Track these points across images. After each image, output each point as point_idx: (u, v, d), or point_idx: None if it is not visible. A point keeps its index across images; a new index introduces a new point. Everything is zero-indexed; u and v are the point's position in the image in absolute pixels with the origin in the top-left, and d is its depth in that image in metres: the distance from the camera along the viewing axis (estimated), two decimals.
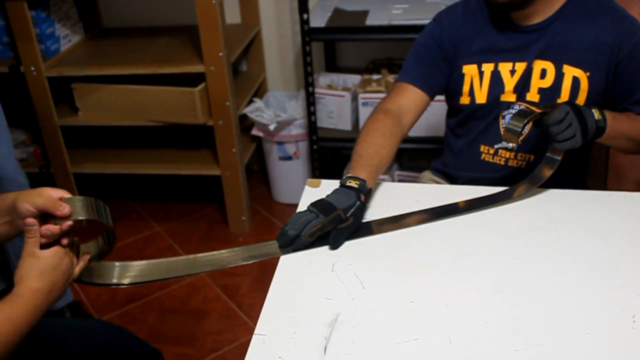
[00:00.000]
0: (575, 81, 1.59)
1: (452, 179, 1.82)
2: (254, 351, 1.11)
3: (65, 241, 1.15)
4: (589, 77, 1.58)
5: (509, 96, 1.65)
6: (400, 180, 2.94)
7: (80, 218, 1.16)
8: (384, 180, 2.87)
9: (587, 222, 1.42)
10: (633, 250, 1.32)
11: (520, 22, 1.61)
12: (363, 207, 1.42)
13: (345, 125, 2.87)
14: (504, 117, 1.67)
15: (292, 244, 1.35)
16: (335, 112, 2.85)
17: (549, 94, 1.61)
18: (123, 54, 2.90)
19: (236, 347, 2.33)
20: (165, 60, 2.75)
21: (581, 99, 1.59)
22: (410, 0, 2.75)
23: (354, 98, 2.83)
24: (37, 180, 3.08)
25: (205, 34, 2.54)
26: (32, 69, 2.72)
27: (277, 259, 1.35)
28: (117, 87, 2.78)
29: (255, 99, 3.01)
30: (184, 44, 2.89)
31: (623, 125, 1.53)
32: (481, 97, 1.67)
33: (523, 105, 1.47)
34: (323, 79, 2.96)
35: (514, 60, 1.63)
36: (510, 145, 1.42)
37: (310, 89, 2.74)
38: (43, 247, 1.13)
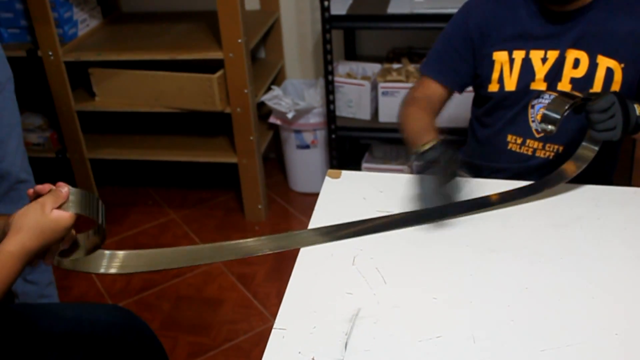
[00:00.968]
0: (609, 72, 1.55)
1: (476, 170, 1.78)
2: (273, 346, 1.10)
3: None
4: (623, 69, 1.54)
5: (539, 84, 1.61)
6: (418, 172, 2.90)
7: (75, 212, 1.13)
8: (402, 171, 2.86)
9: (614, 219, 1.38)
10: None
11: (555, 9, 1.57)
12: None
13: (365, 114, 2.83)
14: (533, 107, 1.63)
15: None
16: (354, 101, 2.82)
17: (582, 84, 1.57)
18: (141, 39, 2.87)
19: (251, 336, 2.32)
20: (183, 46, 2.73)
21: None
22: None
23: (374, 87, 2.79)
24: (54, 165, 3.08)
25: (224, 20, 2.52)
26: (50, 53, 2.70)
27: (297, 250, 1.33)
28: (135, 73, 2.77)
29: (273, 87, 2.99)
30: (202, 30, 2.87)
31: None
32: (510, 85, 1.64)
33: (556, 96, 1.44)
34: (342, 68, 2.93)
35: (546, 48, 1.59)
36: (549, 127, 1.38)
37: (330, 77, 2.71)
38: None
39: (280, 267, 2.62)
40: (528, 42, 1.61)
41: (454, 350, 1.07)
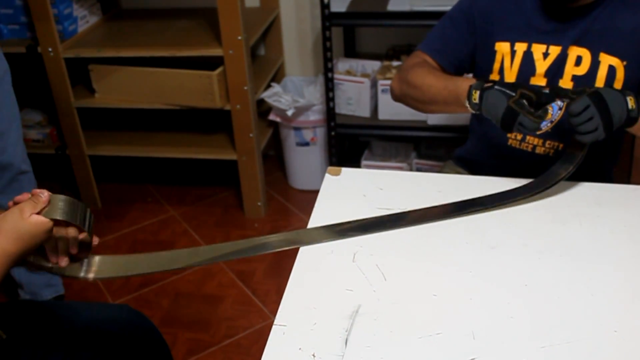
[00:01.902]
0: (611, 70, 1.54)
1: (476, 167, 1.79)
2: (273, 342, 1.10)
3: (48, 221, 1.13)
4: (625, 67, 1.54)
5: (539, 80, 1.61)
6: (418, 169, 2.91)
7: (57, 218, 1.13)
8: (401, 169, 2.87)
9: (613, 216, 1.38)
10: None
11: (563, 3, 1.56)
12: None
13: (364, 111, 2.84)
14: None
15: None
16: (354, 99, 2.82)
17: (584, 82, 1.56)
18: (141, 35, 2.87)
19: (250, 333, 2.32)
20: (183, 42, 2.73)
21: None
22: None
23: (373, 84, 2.79)
24: (53, 161, 3.08)
25: (224, 17, 2.52)
26: (50, 49, 2.70)
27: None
28: (135, 70, 2.77)
29: (273, 84, 2.99)
30: (202, 27, 2.87)
31: None
32: (510, 77, 1.63)
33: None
34: (342, 65, 2.93)
35: (548, 42, 1.59)
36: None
37: (330, 74, 2.71)
38: None
39: (280, 264, 2.62)
40: (531, 34, 1.60)
41: (453, 346, 1.07)
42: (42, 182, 3.15)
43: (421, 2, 2.54)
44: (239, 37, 2.55)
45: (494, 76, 1.66)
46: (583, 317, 1.12)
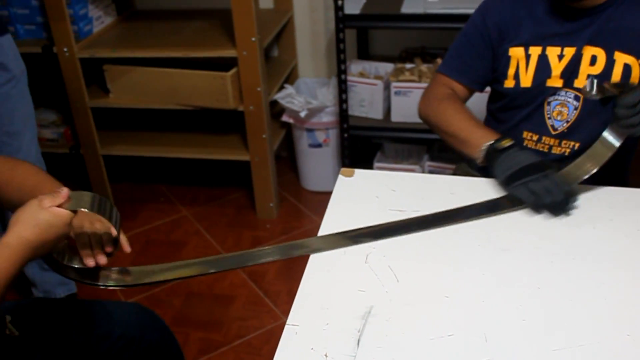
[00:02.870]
0: (627, 68, 1.54)
1: (489, 169, 1.78)
2: (285, 342, 1.10)
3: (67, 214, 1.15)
4: None
5: (555, 81, 1.61)
6: (430, 171, 2.91)
7: (83, 209, 1.16)
8: (414, 171, 2.87)
9: (627, 220, 1.38)
10: None
11: (574, 5, 1.55)
12: None
13: (377, 114, 2.84)
14: (549, 104, 1.63)
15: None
16: (367, 101, 2.82)
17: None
18: (155, 36, 2.89)
19: (262, 333, 2.33)
20: (197, 44, 2.74)
21: None
22: None
23: (386, 87, 2.79)
24: (67, 161, 3.10)
25: (238, 18, 2.53)
26: (65, 49, 2.72)
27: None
28: (149, 70, 2.78)
29: (286, 85, 3.00)
30: (216, 28, 2.88)
31: None
32: (526, 81, 1.63)
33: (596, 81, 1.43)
34: (355, 67, 2.93)
35: (562, 44, 1.59)
36: (591, 92, 1.39)
37: (343, 76, 2.72)
38: None
39: (291, 265, 2.63)
40: (545, 39, 1.60)
41: (465, 348, 1.07)
42: None
43: (435, 5, 2.54)
44: (253, 39, 2.55)
45: (509, 81, 1.66)
46: (595, 320, 1.12)
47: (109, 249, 1.28)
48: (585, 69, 1.58)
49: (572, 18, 1.58)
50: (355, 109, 2.86)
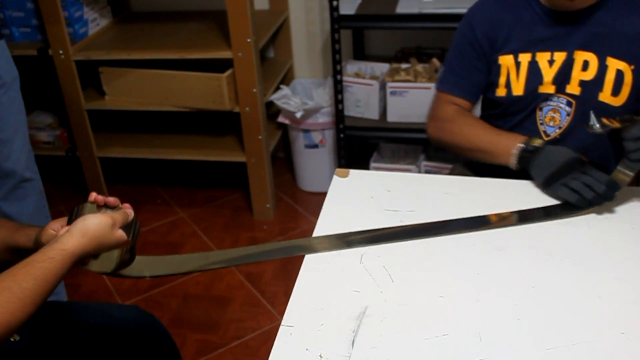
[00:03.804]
0: (619, 74, 1.54)
1: (485, 170, 1.78)
2: (280, 342, 1.10)
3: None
4: (633, 71, 1.53)
5: (547, 87, 1.60)
6: (427, 171, 2.91)
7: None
8: (410, 171, 2.87)
9: (622, 218, 1.38)
10: None
11: (560, 8, 1.55)
12: None
13: (373, 114, 2.84)
14: (541, 109, 1.63)
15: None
16: (362, 101, 2.83)
17: (591, 87, 1.56)
18: (151, 38, 2.89)
19: (259, 334, 2.33)
20: (192, 45, 2.74)
21: (624, 93, 1.54)
22: None
23: (382, 87, 2.80)
24: (64, 163, 3.10)
25: (233, 20, 2.53)
26: (60, 52, 2.72)
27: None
28: (144, 72, 2.78)
29: (282, 86, 3.00)
30: (212, 30, 2.88)
31: None
32: (518, 89, 1.63)
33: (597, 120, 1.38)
34: (350, 67, 2.93)
35: (552, 49, 1.58)
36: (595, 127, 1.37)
37: (338, 77, 2.72)
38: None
39: (288, 266, 2.63)
40: (533, 45, 1.59)
41: (460, 347, 1.07)
42: (53, 184, 3.18)
43: (430, 4, 2.55)
44: (248, 40, 2.56)
45: (501, 90, 1.65)
46: (590, 319, 1.12)
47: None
48: (577, 74, 1.57)
49: (560, 22, 1.56)
50: (351, 110, 2.87)
